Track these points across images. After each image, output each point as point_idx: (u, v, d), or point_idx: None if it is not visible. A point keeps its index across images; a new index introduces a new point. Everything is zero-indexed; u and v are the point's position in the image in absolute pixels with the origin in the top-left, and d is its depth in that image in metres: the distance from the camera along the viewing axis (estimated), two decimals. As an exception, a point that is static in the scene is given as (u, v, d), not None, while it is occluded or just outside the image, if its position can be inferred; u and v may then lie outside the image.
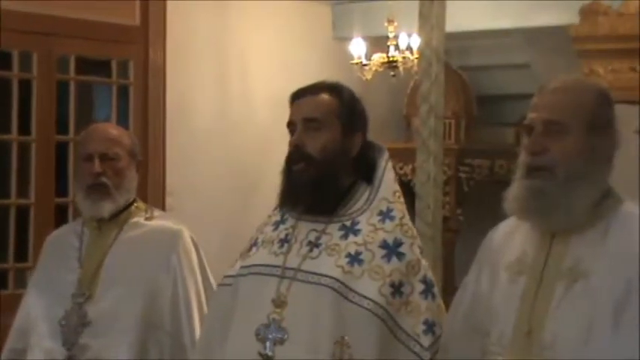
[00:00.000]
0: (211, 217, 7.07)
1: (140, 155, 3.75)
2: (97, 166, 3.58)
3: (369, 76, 7.65)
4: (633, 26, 5.32)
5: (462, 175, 8.00)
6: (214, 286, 3.55)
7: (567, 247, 2.59)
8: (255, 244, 3.10)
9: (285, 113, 3.10)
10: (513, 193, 2.64)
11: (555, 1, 6.94)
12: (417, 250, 2.97)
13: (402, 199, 3.04)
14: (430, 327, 2.88)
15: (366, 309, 2.84)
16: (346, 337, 2.84)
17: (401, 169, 7.84)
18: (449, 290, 7.33)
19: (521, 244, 2.69)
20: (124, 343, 3.49)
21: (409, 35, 7.55)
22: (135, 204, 3.72)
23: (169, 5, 7.12)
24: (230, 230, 7.05)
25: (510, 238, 2.74)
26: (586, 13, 5.50)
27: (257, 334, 2.91)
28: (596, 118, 2.59)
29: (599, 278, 2.51)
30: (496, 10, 7.57)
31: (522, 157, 2.64)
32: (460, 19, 6.68)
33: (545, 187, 2.57)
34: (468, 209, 8.01)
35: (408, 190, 6.78)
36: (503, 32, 7.84)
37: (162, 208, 6.63)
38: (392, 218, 2.98)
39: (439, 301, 2.96)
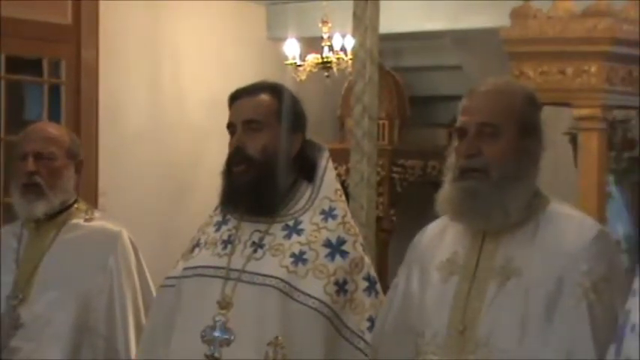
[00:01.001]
0: (144, 217, 7.03)
1: (81, 155, 3.70)
2: (30, 164, 3.54)
3: (303, 77, 7.66)
4: (562, 29, 5.39)
5: (395, 175, 8.05)
6: (153, 288, 3.53)
7: (498, 246, 2.62)
8: (197, 245, 3.09)
9: (219, 114, 3.10)
10: (446, 194, 2.66)
11: (487, 1, 7.01)
12: (360, 248, 2.99)
13: (343, 198, 3.06)
14: (374, 324, 2.91)
15: (312, 308, 2.86)
16: (280, 337, 2.85)
17: (335, 169, 7.84)
18: (383, 290, 7.38)
19: (451, 245, 2.71)
20: (56, 347, 3.45)
21: (343, 36, 7.58)
22: (75, 205, 3.67)
23: (102, 4, 7.06)
24: (162, 231, 7.02)
25: (440, 238, 2.76)
26: (516, 15, 5.56)
27: (203, 336, 2.90)
28: (527, 119, 2.64)
29: (530, 275, 2.55)
30: (429, 11, 7.63)
31: (454, 160, 2.66)
32: (393, 20, 6.72)
33: (480, 189, 2.60)
34: (401, 210, 8.06)
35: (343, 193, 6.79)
36: (435, 34, 7.91)
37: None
38: (334, 217, 2.99)
39: (382, 297, 2.98)
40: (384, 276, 7.83)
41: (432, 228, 2.83)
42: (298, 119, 3.05)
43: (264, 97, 3.02)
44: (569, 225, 2.60)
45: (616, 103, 5.47)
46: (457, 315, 2.61)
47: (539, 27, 5.47)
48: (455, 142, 2.67)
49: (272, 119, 3.00)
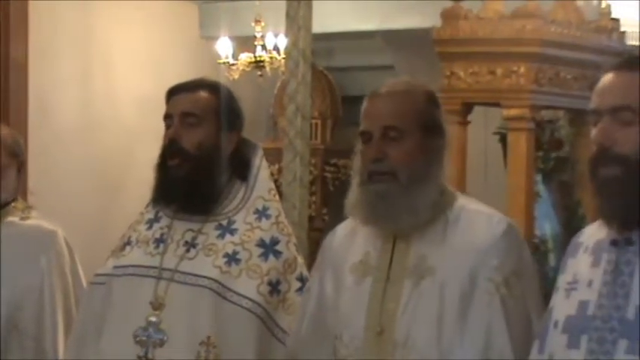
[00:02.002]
0: (75, 216, 6.96)
1: (23, 155, 3.67)
2: None
3: (236, 76, 7.66)
4: (492, 30, 5.45)
5: (328, 175, 8.09)
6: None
7: (410, 245, 2.64)
8: (128, 242, 3.07)
9: (151, 112, 3.09)
10: (356, 198, 2.66)
11: (418, 2, 7.07)
12: (294, 248, 3.00)
13: (277, 197, 3.06)
14: None
15: (245, 308, 2.86)
16: (212, 337, 2.85)
17: (268, 168, 7.86)
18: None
19: (363, 246, 2.71)
20: None
21: (276, 35, 7.59)
22: (13, 204, 3.64)
23: (32, 3, 6.99)
24: (94, 229, 6.96)
25: (350, 240, 2.75)
26: (447, 16, 5.60)
27: (135, 337, 2.89)
28: (429, 119, 2.65)
29: (443, 273, 2.58)
30: (361, 12, 7.67)
31: (360, 164, 2.66)
32: (326, 20, 6.74)
33: (390, 191, 2.60)
34: (334, 209, 8.09)
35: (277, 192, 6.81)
36: (367, 34, 7.96)
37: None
38: (268, 216, 2.99)
39: None
40: (316, 275, 7.87)
41: (342, 229, 2.82)
42: (235, 118, 3.05)
43: (203, 93, 3.01)
44: (478, 221, 2.63)
45: (544, 104, 5.55)
46: (374, 317, 2.61)
47: (469, 28, 5.53)
48: (359, 146, 2.67)
49: (210, 115, 2.99)
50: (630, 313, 2.13)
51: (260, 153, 3.09)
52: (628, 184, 2.16)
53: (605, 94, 2.22)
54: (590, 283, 2.23)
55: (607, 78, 2.24)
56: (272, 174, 8.52)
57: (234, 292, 2.87)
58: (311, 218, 6.70)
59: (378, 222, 2.65)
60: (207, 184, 2.96)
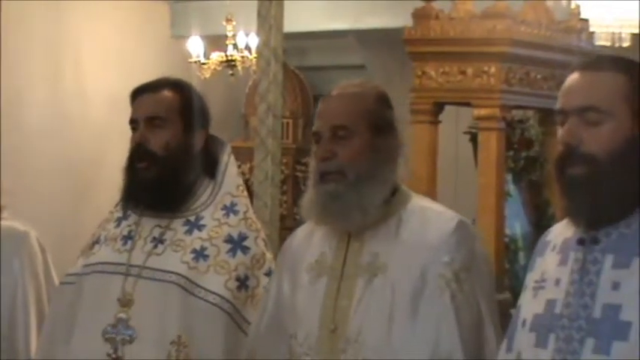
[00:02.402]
0: (47, 215, 6.95)
1: None
2: None
3: (207, 75, 7.66)
4: (463, 30, 5.48)
5: (299, 174, 8.10)
6: None
7: (363, 244, 2.65)
8: (97, 241, 3.06)
9: (121, 111, 3.08)
10: (308, 199, 2.68)
11: (390, 2, 7.09)
12: (262, 244, 3.00)
13: (245, 193, 3.06)
14: None
15: (213, 304, 2.86)
16: (183, 337, 2.85)
17: (239, 167, 7.85)
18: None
19: (319, 246, 2.73)
20: None
21: (247, 34, 7.59)
22: None
23: (3, 3, 6.95)
24: (66, 228, 6.94)
25: (308, 241, 2.77)
26: (418, 16, 5.63)
27: (104, 335, 2.88)
28: (379, 119, 2.66)
29: (395, 271, 2.59)
30: (333, 11, 7.69)
31: (314, 164, 2.69)
32: (298, 19, 6.75)
33: (339, 190, 2.62)
34: (305, 208, 8.10)
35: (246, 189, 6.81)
36: (339, 33, 7.98)
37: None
38: (236, 212, 3.00)
39: None
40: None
41: (302, 231, 2.84)
42: (201, 115, 3.05)
43: (167, 93, 3.01)
44: (430, 218, 2.65)
45: (514, 104, 5.58)
46: (328, 314, 2.63)
47: (440, 28, 5.56)
48: (314, 147, 2.70)
49: (175, 115, 2.99)
50: (597, 312, 2.14)
51: (228, 150, 3.09)
52: (594, 183, 2.18)
53: (571, 94, 2.24)
54: (557, 282, 2.25)
55: (573, 78, 2.26)
56: (243, 173, 8.56)
57: (202, 288, 2.88)
58: (282, 217, 6.70)
59: (329, 221, 2.67)
60: (175, 183, 2.97)
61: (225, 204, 3.01)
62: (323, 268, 2.69)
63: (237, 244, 2.94)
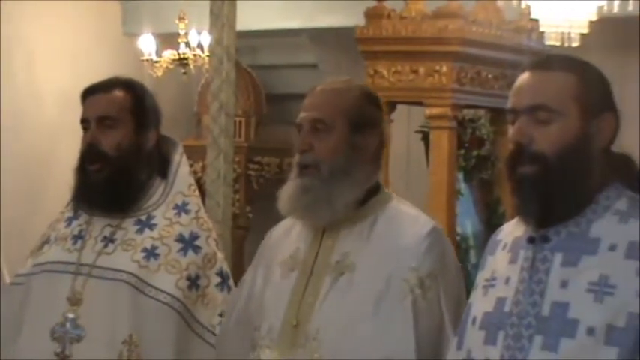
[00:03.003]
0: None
1: None
2: None
3: (159, 73, 7.63)
4: (415, 29, 5.51)
5: (252, 173, 8.09)
6: None
7: (336, 242, 2.66)
8: (47, 241, 3.05)
9: (74, 110, 3.07)
10: (286, 191, 2.69)
11: (343, 1, 7.11)
12: (213, 243, 3.00)
13: (197, 193, 3.07)
14: None
15: (163, 303, 2.87)
16: (134, 336, 2.85)
17: (191, 166, 7.82)
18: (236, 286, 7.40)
19: (295, 241, 2.74)
20: None
21: (199, 33, 7.57)
22: None
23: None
24: (18, 228, 6.88)
25: (287, 235, 2.78)
26: (371, 15, 5.65)
27: (52, 333, 2.87)
28: (360, 117, 2.67)
29: (362, 271, 2.60)
30: (285, 10, 7.69)
31: (295, 157, 2.71)
32: (250, 18, 6.75)
33: (311, 184, 2.63)
34: (258, 207, 8.10)
35: (198, 188, 6.79)
36: (292, 32, 7.98)
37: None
38: (187, 212, 3.00)
39: None
40: (239, 273, 7.85)
41: (282, 225, 2.85)
42: (152, 115, 3.04)
43: (118, 92, 3.00)
44: (404, 222, 2.65)
45: (465, 103, 5.62)
46: (292, 309, 2.64)
47: (392, 27, 5.58)
48: (296, 140, 2.71)
49: (126, 115, 2.98)
50: (545, 310, 2.16)
51: (180, 149, 3.09)
52: (544, 182, 2.20)
53: (522, 93, 2.26)
54: (507, 280, 2.26)
55: (523, 77, 2.28)
56: (195, 172, 8.51)
57: (153, 287, 2.88)
58: (235, 216, 6.69)
59: (298, 214, 2.69)
60: (127, 183, 2.96)
61: (177, 203, 3.00)
62: (295, 263, 2.70)
63: (188, 243, 2.94)
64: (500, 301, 2.25)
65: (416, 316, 2.54)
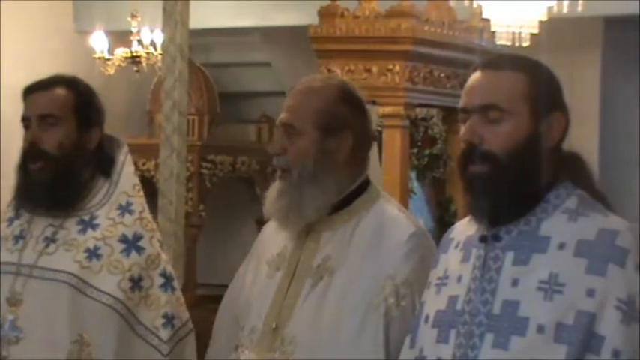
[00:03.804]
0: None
1: None
2: None
3: (111, 71, 7.59)
4: (368, 28, 5.52)
5: (205, 171, 8.07)
6: None
7: (319, 244, 2.65)
8: None
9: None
10: (269, 194, 2.69)
11: (296, 0, 7.11)
12: (157, 244, 2.96)
13: (141, 193, 3.02)
14: (170, 320, 2.89)
15: (105, 304, 2.83)
16: (85, 336, 2.82)
17: (144, 165, 7.81)
18: (190, 285, 7.38)
19: (283, 239, 2.73)
20: None
21: (152, 31, 7.54)
22: None
23: None
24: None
25: (278, 232, 2.76)
26: (324, 14, 5.65)
27: None
28: (331, 119, 2.64)
29: (341, 276, 2.59)
30: (238, 8, 7.68)
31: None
32: (203, 16, 6.73)
33: (284, 189, 2.64)
34: (211, 205, 8.08)
35: (150, 187, 6.77)
36: (245, 31, 7.97)
37: None
38: (131, 212, 2.96)
39: (178, 293, 2.97)
40: (192, 271, 7.83)
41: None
42: (95, 113, 3.00)
43: (60, 90, 2.95)
44: (386, 226, 2.62)
45: (418, 101, 5.65)
46: (274, 312, 2.63)
47: (346, 26, 5.59)
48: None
49: (68, 113, 2.93)
50: (496, 308, 2.18)
51: (125, 149, 3.05)
52: (495, 181, 2.22)
53: (473, 92, 2.28)
54: (459, 279, 2.28)
55: (475, 77, 2.29)
56: (149, 170, 8.45)
57: (94, 288, 2.84)
58: (187, 215, 6.67)
59: (275, 218, 2.69)
60: (69, 183, 2.92)
61: (121, 203, 2.96)
62: (281, 262, 2.69)
63: (131, 243, 2.90)
64: (453, 299, 2.26)
65: (387, 324, 2.52)
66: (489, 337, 2.17)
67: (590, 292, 2.12)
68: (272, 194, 2.66)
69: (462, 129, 2.28)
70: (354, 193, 2.67)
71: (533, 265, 2.18)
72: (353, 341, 2.52)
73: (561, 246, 2.18)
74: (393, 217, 2.66)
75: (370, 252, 2.59)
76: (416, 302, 2.50)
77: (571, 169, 2.29)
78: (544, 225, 2.22)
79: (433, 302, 2.33)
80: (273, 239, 2.76)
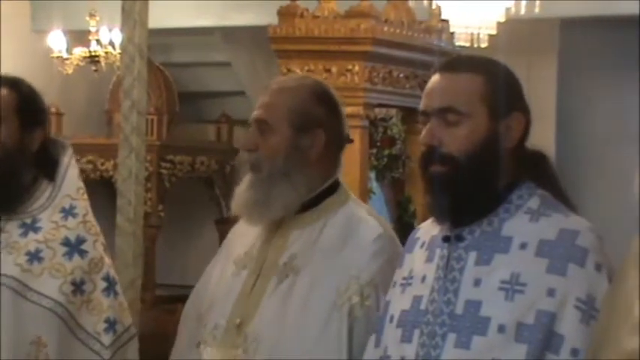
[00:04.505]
0: None
1: None
2: None
3: (70, 71, 7.54)
4: (327, 28, 5.53)
5: (164, 171, 8.04)
6: None
7: (286, 242, 2.66)
8: None
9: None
10: (237, 189, 2.69)
11: (255, 0, 7.11)
12: (101, 248, 2.93)
13: (85, 196, 2.98)
14: (112, 325, 2.87)
15: (46, 308, 2.80)
16: (43, 337, 2.79)
17: (102, 164, 7.77)
18: (149, 286, 7.36)
19: (252, 237, 2.73)
20: None
21: (111, 30, 7.50)
22: None
23: None
24: None
25: (248, 231, 2.76)
26: (284, 14, 5.66)
27: None
28: (305, 118, 2.65)
29: (305, 276, 2.59)
30: (198, 8, 7.66)
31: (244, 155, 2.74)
32: (163, 15, 6.70)
33: (252, 184, 2.65)
34: (170, 205, 8.06)
35: (109, 187, 6.74)
36: (205, 30, 7.95)
37: None
38: (75, 215, 2.92)
39: (121, 298, 2.95)
40: (151, 272, 7.80)
41: None
42: (38, 114, 2.97)
43: (2, 91, 2.91)
44: (353, 227, 2.63)
45: (377, 102, 5.67)
46: (238, 309, 2.63)
47: (305, 26, 5.60)
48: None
49: (10, 114, 2.89)
50: (459, 308, 2.19)
51: (69, 152, 3.01)
52: (455, 182, 2.24)
53: (432, 95, 2.29)
54: (423, 279, 2.29)
55: (433, 80, 2.31)
56: (107, 170, 8.37)
57: (35, 292, 2.81)
58: (146, 215, 6.63)
59: (239, 211, 2.69)
60: (10, 183, 2.89)
61: (64, 206, 2.92)
62: (248, 260, 2.69)
63: (74, 247, 2.87)
64: (417, 299, 2.28)
65: (351, 325, 2.52)
66: (452, 337, 2.18)
67: (551, 292, 2.14)
68: (241, 187, 2.67)
69: (423, 131, 2.29)
70: (324, 193, 2.68)
71: (495, 265, 2.20)
72: (316, 340, 2.53)
73: (523, 246, 2.20)
74: (361, 218, 2.66)
75: (336, 252, 2.60)
76: (380, 303, 2.50)
77: (533, 169, 2.31)
78: (506, 225, 2.23)
79: (398, 302, 2.35)
80: (242, 238, 2.76)
